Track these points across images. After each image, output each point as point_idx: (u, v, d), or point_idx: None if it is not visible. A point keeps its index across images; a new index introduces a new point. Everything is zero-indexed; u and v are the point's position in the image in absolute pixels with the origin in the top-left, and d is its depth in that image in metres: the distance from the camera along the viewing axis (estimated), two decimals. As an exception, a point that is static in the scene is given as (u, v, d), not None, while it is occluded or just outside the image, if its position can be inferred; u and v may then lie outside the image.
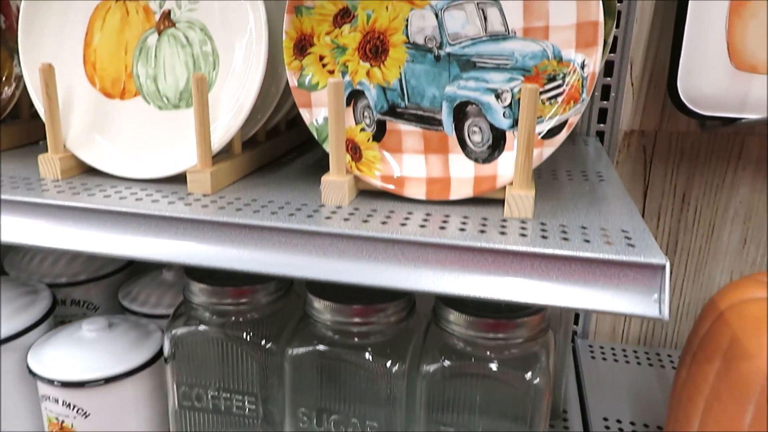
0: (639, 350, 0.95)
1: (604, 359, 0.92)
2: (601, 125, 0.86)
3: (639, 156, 0.87)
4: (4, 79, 0.70)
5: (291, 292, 0.64)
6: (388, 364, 0.57)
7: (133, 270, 0.84)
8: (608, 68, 0.83)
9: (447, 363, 0.57)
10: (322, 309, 0.57)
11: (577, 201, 0.55)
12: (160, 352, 0.66)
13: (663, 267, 0.42)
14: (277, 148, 0.69)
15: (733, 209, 0.87)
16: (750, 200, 0.86)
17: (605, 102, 0.85)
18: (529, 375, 0.55)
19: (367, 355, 0.57)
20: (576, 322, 0.97)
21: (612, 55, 0.82)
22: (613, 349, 0.95)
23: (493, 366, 0.55)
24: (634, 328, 0.96)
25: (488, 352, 0.55)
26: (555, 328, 0.72)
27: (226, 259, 0.49)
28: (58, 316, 0.75)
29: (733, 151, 0.84)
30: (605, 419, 0.78)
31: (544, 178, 0.62)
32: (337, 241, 0.47)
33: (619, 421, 0.78)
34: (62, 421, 0.63)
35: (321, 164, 0.53)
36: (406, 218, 0.49)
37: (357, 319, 0.57)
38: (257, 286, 0.60)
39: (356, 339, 0.58)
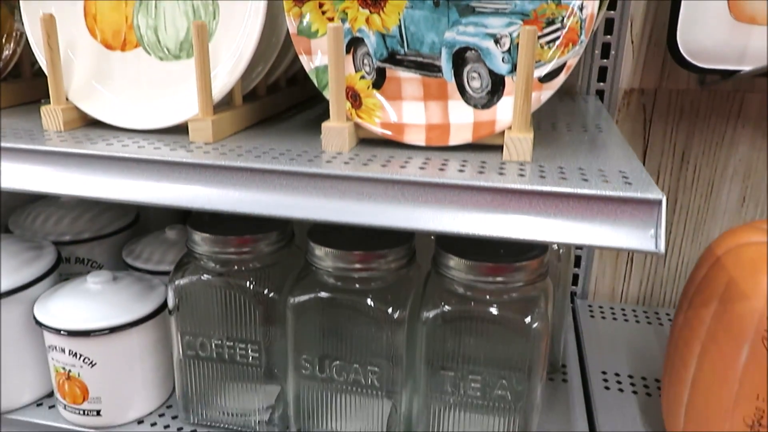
0: (638, 309, 0.96)
1: (603, 318, 0.93)
2: (601, 84, 0.86)
3: (638, 115, 0.87)
4: (5, 36, 0.70)
5: (292, 244, 0.65)
6: (389, 310, 0.58)
7: (137, 230, 0.85)
8: (608, 26, 0.83)
9: (447, 308, 0.58)
10: (323, 256, 0.58)
11: (576, 148, 0.55)
12: (165, 305, 0.67)
13: (659, 202, 0.43)
14: (278, 104, 0.70)
15: (732, 167, 0.87)
16: (749, 158, 0.86)
17: (605, 60, 0.85)
18: (528, 319, 0.56)
19: (369, 301, 0.58)
20: (575, 283, 0.98)
21: (612, 12, 0.82)
22: (612, 308, 0.96)
23: (493, 310, 0.56)
24: (633, 288, 0.97)
25: (488, 296, 0.56)
26: (554, 284, 0.73)
27: (229, 202, 0.50)
28: (62, 274, 0.76)
29: (733, 108, 0.84)
30: (603, 372, 0.79)
31: (542, 130, 0.63)
32: (337, 182, 0.48)
33: (617, 375, 0.79)
34: (69, 371, 0.64)
35: (321, 119, 0.53)
36: (406, 162, 0.50)
37: (358, 266, 0.57)
38: (259, 236, 0.61)
39: (357, 285, 0.59)
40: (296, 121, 0.66)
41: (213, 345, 0.64)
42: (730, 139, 0.86)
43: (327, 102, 0.53)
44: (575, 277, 0.97)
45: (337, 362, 0.60)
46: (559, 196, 0.44)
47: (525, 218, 0.45)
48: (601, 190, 0.43)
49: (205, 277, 0.62)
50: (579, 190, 0.44)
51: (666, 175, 0.89)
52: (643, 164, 0.86)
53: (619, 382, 0.78)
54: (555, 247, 0.72)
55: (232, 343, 0.63)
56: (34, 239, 0.74)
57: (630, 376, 0.79)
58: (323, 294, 0.59)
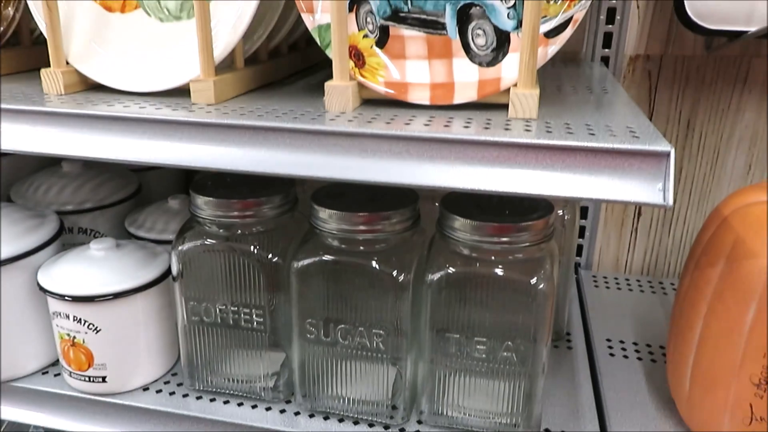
0: (642, 280, 0.95)
1: (608, 288, 0.93)
2: (606, 50, 0.85)
3: (644, 81, 0.86)
4: (3, 1, 0.69)
5: (296, 209, 0.65)
6: (394, 272, 0.58)
7: (140, 200, 0.85)
8: (614, -9, 0.82)
9: (451, 270, 0.57)
10: (327, 218, 0.58)
11: (582, 106, 0.55)
12: (168, 271, 0.67)
13: (667, 154, 0.42)
14: (279, 69, 0.69)
15: (738, 134, 0.86)
16: (755, 124, 0.85)
17: (610, 26, 0.84)
18: (533, 280, 0.56)
19: (373, 264, 0.58)
20: (579, 254, 0.98)
21: (618, -23, 0.81)
22: (616, 279, 0.96)
23: (498, 271, 0.56)
24: (637, 259, 0.97)
25: (492, 257, 0.56)
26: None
27: (232, 161, 0.49)
28: (65, 244, 0.76)
29: (739, 74, 0.83)
30: (608, 340, 0.79)
31: (548, 92, 0.62)
32: (341, 139, 0.47)
33: (621, 342, 0.79)
34: (74, 337, 0.64)
35: (324, 83, 0.52)
36: (410, 120, 0.49)
37: (362, 227, 0.57)
38: (262, 199, 0.61)
39: (361, 248, 0.58)
40: (299, 85, 0.65)
41: (217, 310, 0.64)
42: (736, 105, 0.85)
43: (329, 69, 0.52)
44: (579, 248, 0.97)
45: (342, 326, 0.60)
46: (566, 150, 0.44)
47: (532, 173, 0.45)
48: (609, 143, 0.43)
49: (208, 241, 0.62)
50: (586, 144, 0.43)
51: (671, 143, 0.88)
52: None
53: (623, 349, 0.78)
54: (560, 212, 0.71)
55: (236, 309, 0.63)
56: (37, 208, 0.74)
57: (634, 344, 0.79)
58: (327, 257, 0.59)
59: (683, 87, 0.85)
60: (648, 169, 0.43)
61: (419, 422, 0.64)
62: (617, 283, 0.94)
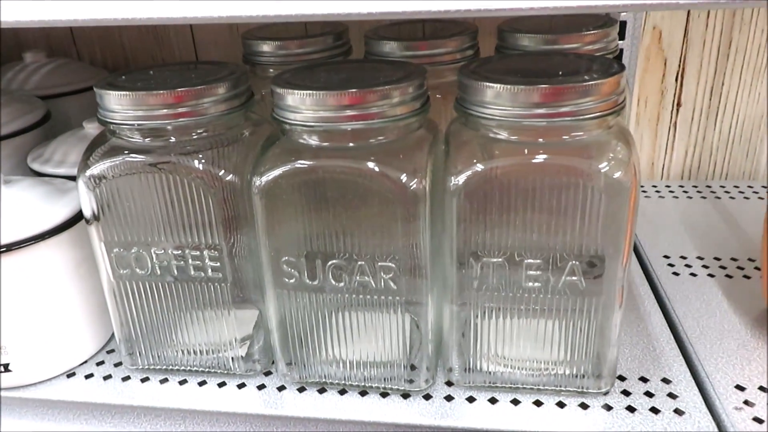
0: (686, 185, 0.79)
1: (647, 197, 0.76)
2: None
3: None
4: None
5: (251, 105, 0.46)
6: (403, 177, 0.39)
7: (47, 130, 0.65)
8: None
9: (482, 166, 0.39)
10: (297, 105, 0.39)
11: None
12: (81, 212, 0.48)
13: None
14: None
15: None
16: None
17: None
18: (604, 167, 0.38)
19: (371, 166, 0.39)
20: (606, 162, 0.81)
21: None
22: (655, 186, 0.79)
23: (555, 158, 0.38)
24: (676, 161, 0.80)
25: (540, 139, 0.38)
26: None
27: None
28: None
29: None
30: (666, 257, 0.63)
31: None
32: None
33: (683, 258, 0.63)
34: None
35: None
36: None
37: (349, 112, 0.38)
38: (203, 87, 0.41)
39: (351, 144, 0.40)
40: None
41: (154, 257, 0.45)
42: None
43: None
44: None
45: (333, 262, 0.42)
46: None
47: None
48: None
49: (130, 158, 0.42)
50: None
51: (715, 21, 0.71)
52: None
53: (688, 266, 0.61)
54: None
55: (180, 252, 0.45)
56: None
57: (699, 258, 0.62)
58: (302, 163, 0.40)
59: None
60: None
61: (449, 384, 0.47)
62: (657, 191, 0.78)
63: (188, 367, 0.49)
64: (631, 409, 0.45)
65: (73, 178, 0.54)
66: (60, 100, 0.71)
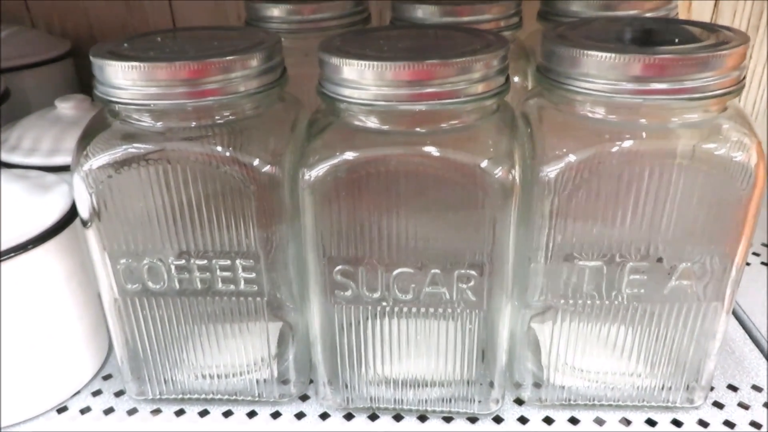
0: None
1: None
2: None
3: None
4: None
5: (284, 83, 0.37)
6: (498, 171, 0.32)
7: (8, 110, 0.54)
8: None
9: (573, 157, 0.33)
10: (356, 79, 0.31)
11: None
12: (72, 213, 0.39)
13: None
14: None
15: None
16: None
17: None
18: (725, 151, 0.32)
19: (450, 154, 0.32)
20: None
21: None
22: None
23: (664, 141, 0.32)
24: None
25: (645, 120, 0.32)
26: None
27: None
28: None
29: None
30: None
31: None
32: None
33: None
34: None
35: None
36: None
37: (417, 89, 0.31)
38: (231, 59, 0.33)
39: (418, 129, 0.32)
40: None
41: (172, 268, 0.37)
42: None
43: None
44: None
45: (400, 269, 0.35)
46: None
47: None
48: None
49: (136, 147, 0.34)
50: None
51: None
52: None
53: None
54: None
55: (206, 261, 0.36)
56: None
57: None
58: (363, 153, 0.33)
59: None
60: None
61: (519, 402, 0.41)
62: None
63: (208, 395, 0.41)
64: (729, 424, 0.39)
65: (48, 170, 0.45)
66: (14, 74, 0.61)
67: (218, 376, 0.41)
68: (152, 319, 0.39)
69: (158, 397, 0.42)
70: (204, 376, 0.41)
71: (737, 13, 0.68)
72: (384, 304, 0.36)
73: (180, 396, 0.41)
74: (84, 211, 0.35)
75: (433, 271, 0.35)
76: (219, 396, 0.41)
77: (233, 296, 0.38)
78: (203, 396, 0.41)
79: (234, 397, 0.41)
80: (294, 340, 0.41)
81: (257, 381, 0.41)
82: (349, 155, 0.33)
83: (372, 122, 0.33)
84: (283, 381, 0.41)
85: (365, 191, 0.33)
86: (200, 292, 0.37)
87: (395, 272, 0.35)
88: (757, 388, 0.42)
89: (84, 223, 0.36)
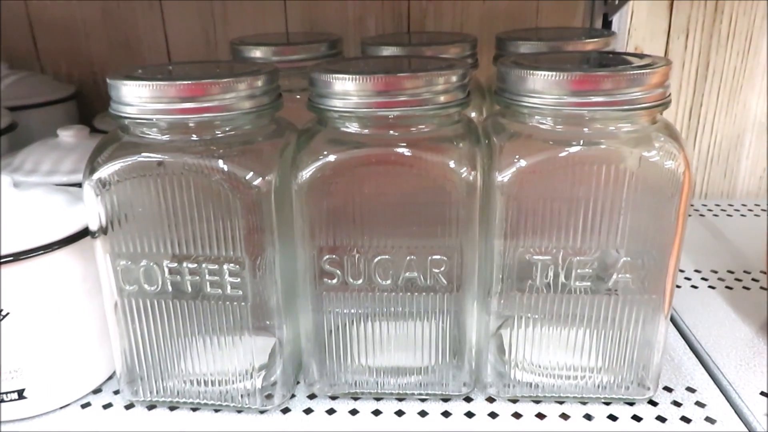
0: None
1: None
2: None
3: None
4: None
5: (279, 104, 0.42)
6: (463, 171, 0.37)
7: (13, 140, 0.59)
8: None
9: (524, 162, 0.38)
10: (343, 91, 0.37)
11: None
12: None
13: None
14: None
15: (775, 15, 0.73)
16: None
17: None
18: (655, 155, 0.37)
19: (424, 155, 0.37)
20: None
21: None
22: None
23: (605, 145, 0.37)
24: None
25: (587, 129, 0.37)
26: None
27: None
28: None
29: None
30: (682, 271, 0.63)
31: None
32: None
33: (682, 271, 0.63)
34: None
35: None
36: None
37: (391, 97, 0.36)
38: (229, 80, 0.38)
39: (392, 132, 0.38)
40: None
41: (166, 270, 0.40)
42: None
43: None
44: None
45: (380, 257, 0.39)
46: None
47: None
48: None
49: (146, 157, 0.38)
50: None
51: (697, 32, 0.73)
52: (670, 21, 0.70)
53: (687, 279, 0.62)
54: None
55: (196, 265, 0.40)
56: None
57: (697, 271, 0.63)
58: (345, 155, 0.37)
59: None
60: None
61: (489, 400, 0.45)
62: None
63: (198, 400, 0.44)
64: (661, 419, 0.43)
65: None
66: (22, 112, 0.66)
67: (205, 383, 0.43)
68: (146, 322, 0.42)
69: (150, 398, 0.44)
70: (192, 383, 0.43)
71: (686, 64, 0.75)
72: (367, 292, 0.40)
73: (171, 400, 0.44)
74: (92, 217, 0.39)
75: (408, 257, 0.39)
76: (205, 402, 0.44)
77: (220, 300, 0.41)
78: (190, 402, 0.44)
79: (220, 403, 0.44)
80: (277, 355, 0.44)
81: (246, 391, 0.43)
82: (333, 157, 0.37)
83: (353, 128, 0.38)
84: (269, 392, 0.44)
85: (349, 187, 0.38)
86: (190, 295, 0.41)
87: (376, 259, 0.39)
88: (690, 389, 0.46)
89: (93, 235, 0.40)
